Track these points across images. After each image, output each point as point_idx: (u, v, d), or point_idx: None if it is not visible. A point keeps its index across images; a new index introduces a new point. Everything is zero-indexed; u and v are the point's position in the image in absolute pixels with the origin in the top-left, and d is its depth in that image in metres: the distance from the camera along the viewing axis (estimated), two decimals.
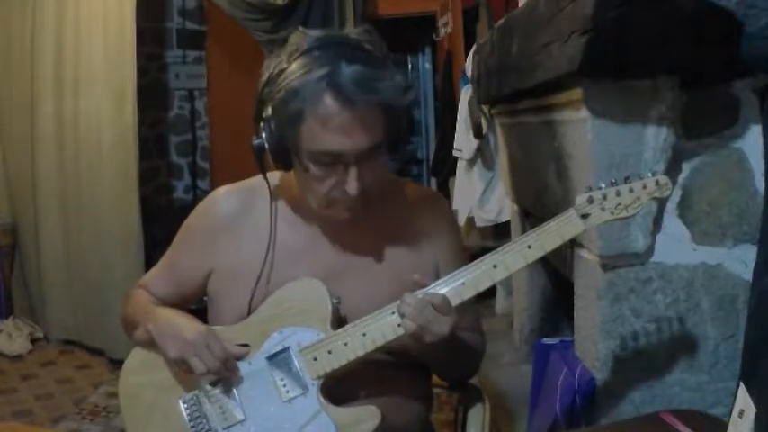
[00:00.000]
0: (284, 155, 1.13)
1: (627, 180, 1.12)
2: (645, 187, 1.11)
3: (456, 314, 1.10)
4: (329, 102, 1.05)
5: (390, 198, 1.28)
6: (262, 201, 1.26)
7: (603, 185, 1.12)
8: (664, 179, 1.12)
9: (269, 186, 1.22)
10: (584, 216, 1.11)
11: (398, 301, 1.11)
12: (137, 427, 1.24)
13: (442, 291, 1.12)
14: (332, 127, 1.06)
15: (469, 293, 1.12)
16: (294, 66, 1.09)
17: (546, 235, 1.12)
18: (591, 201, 1.11)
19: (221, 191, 1.31)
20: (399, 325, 1.11)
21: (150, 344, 1.22)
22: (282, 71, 1.10)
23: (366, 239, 1.25)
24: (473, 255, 1.22)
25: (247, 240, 1.25)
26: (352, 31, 1.16)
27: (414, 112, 1.18)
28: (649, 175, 1.12)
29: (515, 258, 1.12)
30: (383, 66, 1.10)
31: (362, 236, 1.25)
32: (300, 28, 1.17)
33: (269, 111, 1.12)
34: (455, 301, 1.12)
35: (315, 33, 1.13)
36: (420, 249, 1.27)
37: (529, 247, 1.12)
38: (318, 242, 1.25)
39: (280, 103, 1.09)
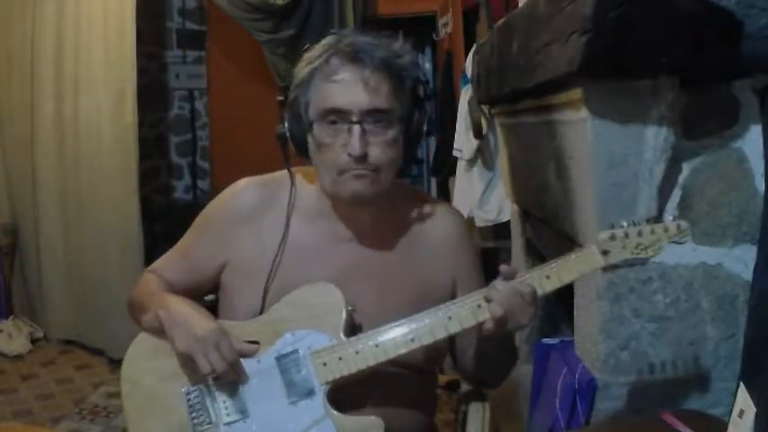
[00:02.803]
0: (301, 133, 1.18)
1: (649, 221, 1.16)
2: (666, 230, 1.15)
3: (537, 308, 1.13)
4: (334, 61, 1.15)
5: (408, 208, 1.29)
6: (283, 196, 1.26)
7: (626, 223, 1.15)
8: (685, 224, 1.16)
9: (290, 173, 1.24)
10: (605, 252, 1.14)
11: (422, 312, 1.13)
12: (137, 414, 1.23)
13: (460, 312, 1.13)
14: (336, 81, 1.13)
15: (484, 316, 1.13)
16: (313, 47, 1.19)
17: (564, 267, 1.14)
18: (613, 238, 1.14)
19: (243, 182, 1.31)
20: (480, 306, 1.12)
21: (158, 331, 1.20)
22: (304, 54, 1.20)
23: (382, 246, 1.25)
24: None
25: (266, 235, 1.24)
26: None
27: (428, 94, 1.23)
28: (671, 218, 1.17)
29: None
30: (387, 38, 1.19)
31: (379, 241, 1.24)
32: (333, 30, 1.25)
33: (293, 96, 1.19)
34: (471, 324, 1.13)
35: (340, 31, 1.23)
36: (436, 263, 1.28)
37: (547, 277, 1.14)
38: (335, 243, 1.24)
39: (296, 73, 1.18)
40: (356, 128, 1.12)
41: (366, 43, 1.15)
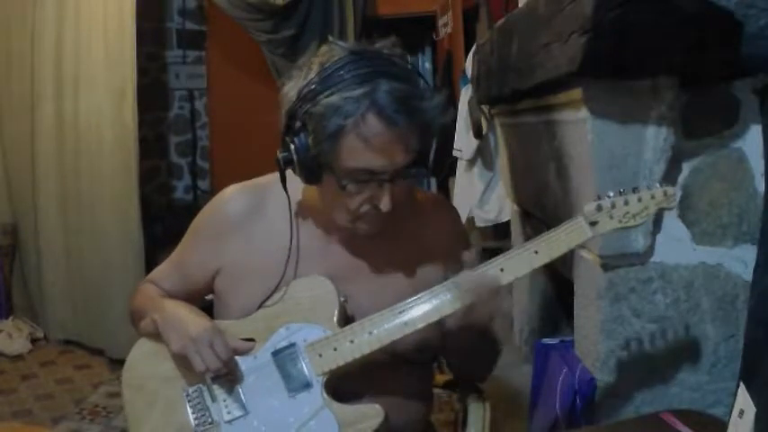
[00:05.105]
0: (315, 170, 1.11)
1: (635, 190, 1.14)
2: (653, 197, 1.14)
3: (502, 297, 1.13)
4: (372, 121, 1.05)
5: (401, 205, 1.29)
6: (274, 202, 1.26)
7: (612, 194, 1.14)
8: (671, 190, 1.14)
9: (288, 198, 1.22)
10: (593, 223, 1.13)
11: (414, 297, 1.14)
12: (139, 418, 1.23)
13: (447, 297, 1.13)
14: (373, 146, 1.06)
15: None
16: (330, 81, 1.07)
17: (554, 241, 1.13)
18: (599, 209, 1.13)
19: (230, 189, 1.31)
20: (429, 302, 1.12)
21: (156, 335, 1.22)
22: (317, 86, 1.08)
23: (376, 241, 1.25)
24: None
25: (259, 240, 1.25)
26: (382, 44, 1.14)
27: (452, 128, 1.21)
28: (657, 185, 1.15)
29: (521, 264, 1.13)
30: (418, 83, 1.11)
31: (370, 239, 1.24)
32: (330, 38, 1.16)
33: (300, 125, 1.10)
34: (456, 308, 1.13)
35: (346, 45, 1.12)
36: (429, 253, 1.28)
37: (536, 252, 1.13)
38: (328, 242, 1.25)
39: (318, 118, 1.07)
40: (388, 186, 1.11)
41: (405, 98, 1.05)
